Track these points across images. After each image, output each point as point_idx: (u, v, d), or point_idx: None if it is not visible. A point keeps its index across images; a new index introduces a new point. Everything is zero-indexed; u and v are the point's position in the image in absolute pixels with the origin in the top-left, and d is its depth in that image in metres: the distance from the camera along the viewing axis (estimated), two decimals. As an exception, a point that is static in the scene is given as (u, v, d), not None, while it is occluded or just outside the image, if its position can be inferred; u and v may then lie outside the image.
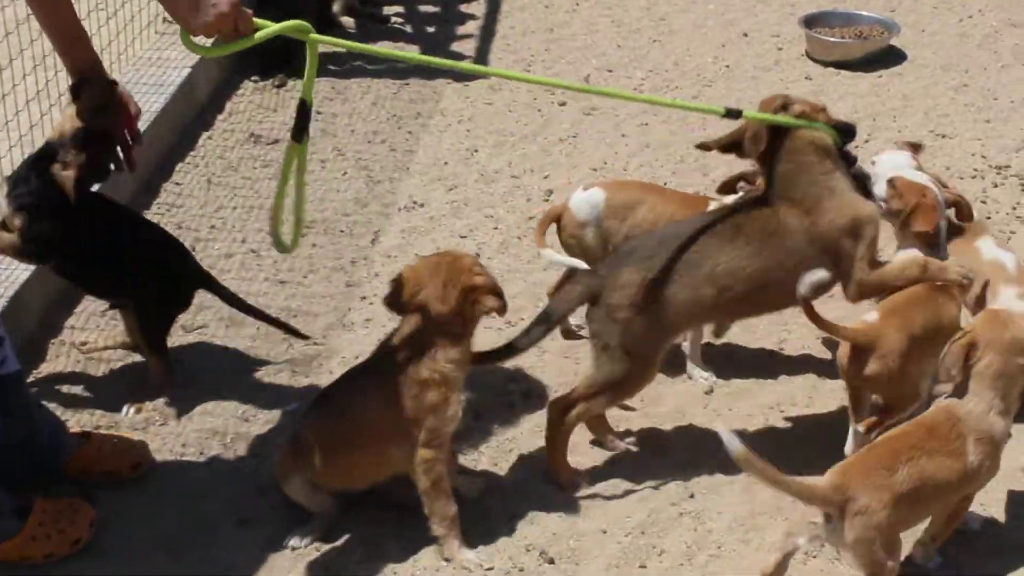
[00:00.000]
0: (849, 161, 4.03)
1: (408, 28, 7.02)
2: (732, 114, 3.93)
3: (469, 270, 3.66)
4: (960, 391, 3.51)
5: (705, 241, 3.91)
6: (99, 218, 4.17)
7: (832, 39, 6.80)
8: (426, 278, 3.67)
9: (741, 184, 4.37)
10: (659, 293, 3.87)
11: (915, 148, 4.39)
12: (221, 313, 4.73)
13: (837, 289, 4.02)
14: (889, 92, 6.51)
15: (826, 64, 6.74)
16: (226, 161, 5.74)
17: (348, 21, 7.02)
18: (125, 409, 4.26)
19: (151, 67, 6.00)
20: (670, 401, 4.42)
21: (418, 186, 5.63)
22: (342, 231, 5.29)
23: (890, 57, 6.83)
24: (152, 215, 5.31)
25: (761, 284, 3.92)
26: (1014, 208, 5.46)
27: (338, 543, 3.78)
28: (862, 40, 6.84)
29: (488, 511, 3.93)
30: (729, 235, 3.91)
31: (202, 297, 4.83)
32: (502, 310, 3.68)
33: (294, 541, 3.77)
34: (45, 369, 4.41)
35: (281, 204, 3.76)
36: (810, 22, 6.95)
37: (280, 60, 6.27)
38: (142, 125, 4.36)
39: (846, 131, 4.03)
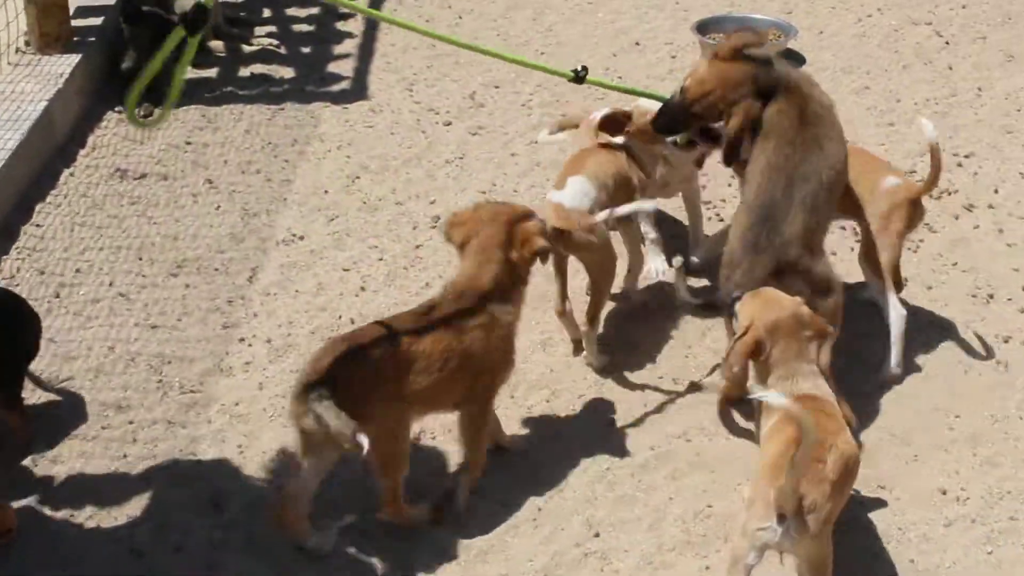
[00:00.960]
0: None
1: (282, 49, 7.04)
2: (578, 77, 4.69)
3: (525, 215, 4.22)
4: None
5: None
6: None
7: (727, 45, 6.93)
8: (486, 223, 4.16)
9: None
10: None
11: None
12: (89, 363, 4.73)
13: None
14: (788, 97, 6.65)
15: (722, 71, 6.87)
16: (90, 199, 5.72)
17: (217, 45, 7.02)
18: None
19: (4, 101, 5.96)
20: (568, 433, 4.49)
21: (296, 218, 5.66)
22: (216, 269, 5.30)
23: (788, 60, 6.98)
24: (12, 261, 5.28)
25: None
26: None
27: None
28: (759, 44, 6.98)
29: (389, 557, 3.97)
30: None
31: (68, 347, 4.82)
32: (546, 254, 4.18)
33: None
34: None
35: (144, 84, 4.05)
36: (703, 28, 7.06)
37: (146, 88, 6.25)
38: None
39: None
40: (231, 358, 4.82)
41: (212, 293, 5.17)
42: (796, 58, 7.03)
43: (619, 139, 4.97)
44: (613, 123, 4.95)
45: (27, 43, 6.45)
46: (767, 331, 3.94)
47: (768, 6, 7.57)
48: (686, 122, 4.70)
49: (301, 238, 5.52)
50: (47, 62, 6.31)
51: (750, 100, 4.51)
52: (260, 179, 5.94)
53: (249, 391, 4.67)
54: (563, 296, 4.81)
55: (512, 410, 4.56)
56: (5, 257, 5.33)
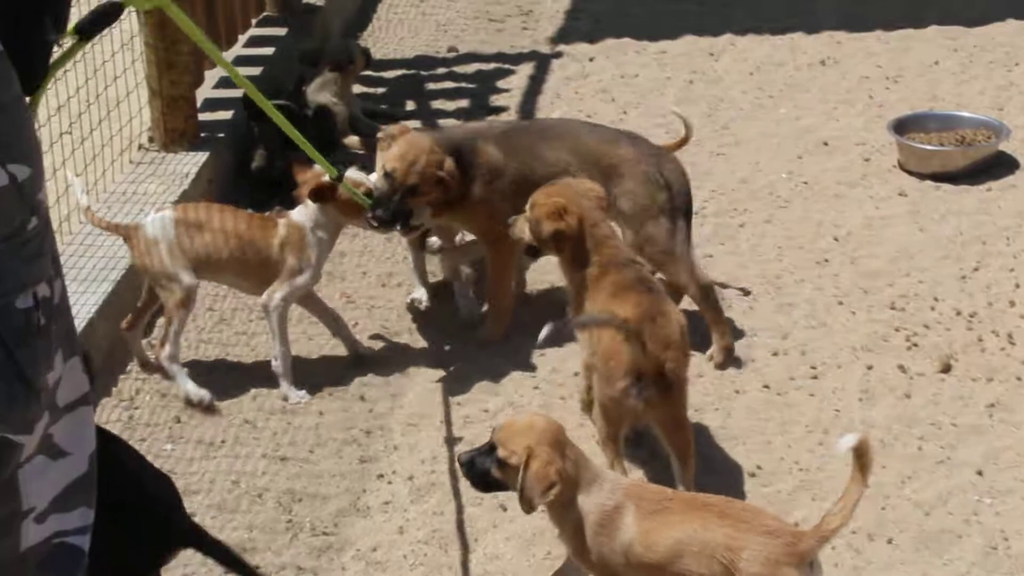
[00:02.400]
0: None
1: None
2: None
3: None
4: None
5: None
6: None
7: (929, 147, 6.89)
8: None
9: None
10: None
11: None
12: (211, 498, 4.78)
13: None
14: (1000, 208, 6.57)
15: (923, 176, 6.82)
16: (218, 313, 5.84)
17: (353, 141, 7.14)
18: None
19: (127, 203, 6.14)
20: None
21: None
22: (353, 395, 5.34)
23: (1000, 166, 6.90)
24: (131, 380, 5.39)
25: None
26: None
27: None
28: (965, 147, 6.92)
29: None
30: None
31: (188, 479, 4.87)
32: None
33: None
34: None
35: None
36: (902, 127, 7.01)
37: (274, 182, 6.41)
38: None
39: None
40: (368, 496, 4.84)
41: (348, 422, 5.22)
42: (1008, 163, 6.94)
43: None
44: (320, 192, 5.30)
45: (151, 139, 6.64)
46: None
47: (976, 101, 7.50)
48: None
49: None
50: (172, 160, 6.49)
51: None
52: (401, 293, 5.99)
53: (388, 535, 4.68)
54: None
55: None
56: (123, 376, 5.44)
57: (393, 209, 5.33)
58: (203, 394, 5.24)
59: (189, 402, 5.24)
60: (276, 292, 5.32)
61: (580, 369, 5.13)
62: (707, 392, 5.32)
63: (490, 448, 4.00)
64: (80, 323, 5.22)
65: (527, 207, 4.92)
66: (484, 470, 4.01)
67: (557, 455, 3.93)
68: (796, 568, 3.72)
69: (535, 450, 3.91)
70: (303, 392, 5.31)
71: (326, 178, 5.23)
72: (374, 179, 5.41)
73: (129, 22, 6.68)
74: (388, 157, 5.38)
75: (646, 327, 4.52)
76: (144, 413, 5.24)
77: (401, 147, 5.38)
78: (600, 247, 4.80)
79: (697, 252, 5.64)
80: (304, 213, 5.38)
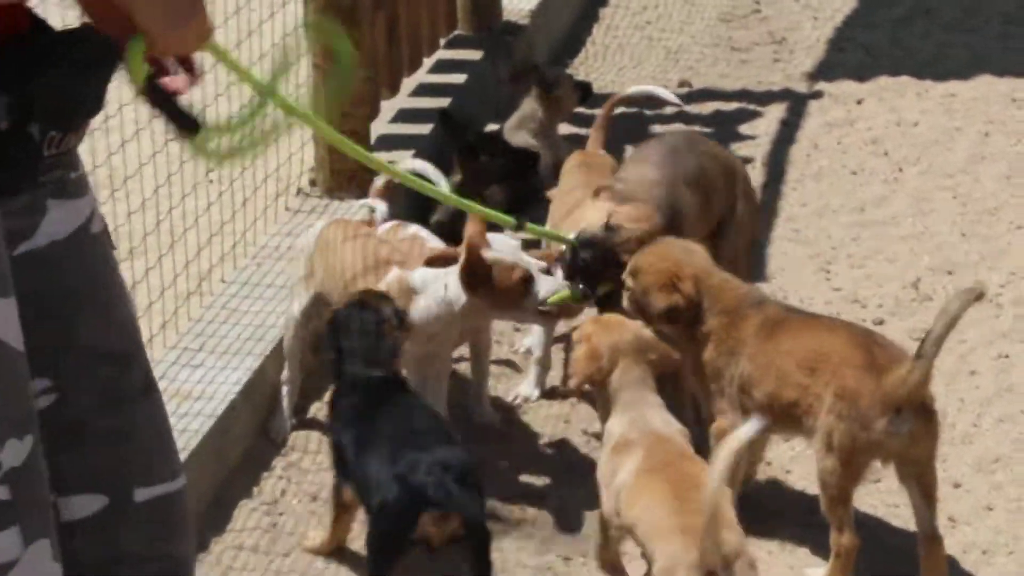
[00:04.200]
0: None
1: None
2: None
3: None
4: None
5: None
6: None
7: None
8: None
9: None
10: None
11: None
12: None
13: None
14: None
15: None
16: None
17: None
18: None
19: (280, 259, 6.15)
20: None
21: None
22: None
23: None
24: (274, 480, 5.39)
25: None
26: None
27: None
28: None
29: None
30: None
31: None
32: None
33: None
34: None
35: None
36: None
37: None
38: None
39: None
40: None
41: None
42: None
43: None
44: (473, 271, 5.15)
45: (312, 182, 6.68)
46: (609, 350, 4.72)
47: None
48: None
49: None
50: (338, 208, 6.50)
51: None
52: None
53: None
54: None
55: None
56: (266, 474, 5.46)
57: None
58: None
59: None
60: None
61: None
62: (998, 530, 5.16)
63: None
64: (219, 406, 5.27)
65: (628, 275, 5.07)
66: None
67: None
68: None
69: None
70: None
71: (493, 255, 5.13)
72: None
73: (295, 36, 6.69)
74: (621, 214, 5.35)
75: (874, 350, 4.75)
76: (287, 521, 5.23)
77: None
78: (720, 294, 5.04)
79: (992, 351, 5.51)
80: (425, 277, 5.27)
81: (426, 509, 4.39)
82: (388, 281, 5.26)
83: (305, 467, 5.48)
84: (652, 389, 4.75)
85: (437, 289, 5.21)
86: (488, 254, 5.09)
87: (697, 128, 7.75)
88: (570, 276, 5.23)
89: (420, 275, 5.26)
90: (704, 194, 5.64)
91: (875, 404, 4.63)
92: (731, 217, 5.75)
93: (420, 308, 5.22)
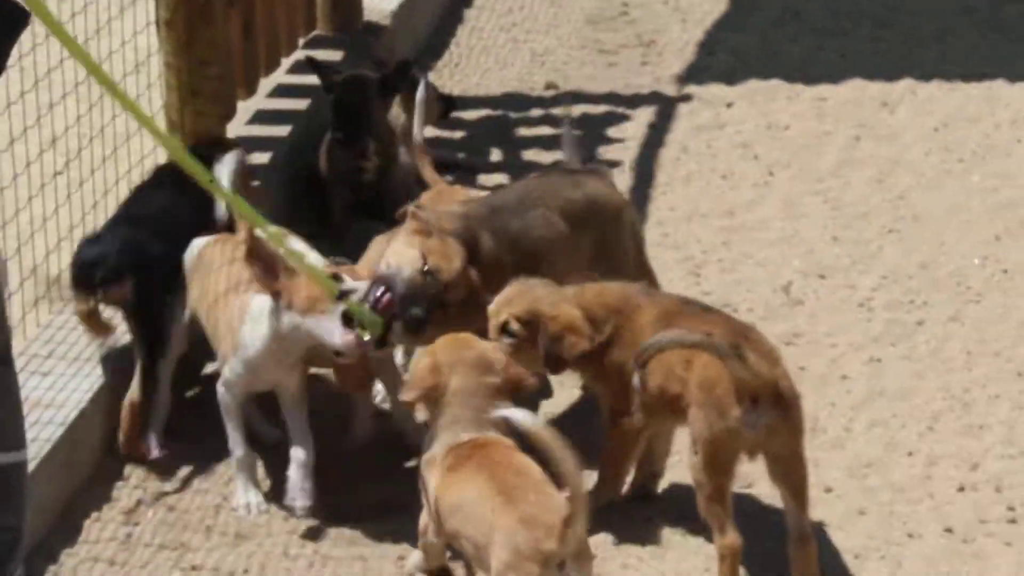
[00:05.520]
0: None
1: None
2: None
3: None
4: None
5: None
6: None
7: None
8: None
9: None
10: None
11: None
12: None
13: None
14: None
15: None
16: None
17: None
18: None
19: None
20: None
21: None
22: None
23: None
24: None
25: None
26: None
27: None
28: None
29: None
30: None
31: None
32: None
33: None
34: None
35: None
36: None
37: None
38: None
39: None
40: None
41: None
42: None
43: None
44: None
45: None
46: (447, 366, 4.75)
47: None
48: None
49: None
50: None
51: None
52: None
53: None
54: None
55: None
56: (120, 484, 5.41)
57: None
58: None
59: None
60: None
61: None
62: (870, 534, 5.23)
63: None
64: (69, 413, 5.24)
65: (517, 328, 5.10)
66: None
67: None
68: None
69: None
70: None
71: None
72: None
73: (147, 35, 6.67)
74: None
75: (742, 342, 4.82)
76: (146, 532, 5.22)
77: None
78: (603, 300, 5.17)
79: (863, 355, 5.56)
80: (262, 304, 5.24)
81: None
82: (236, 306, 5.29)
83: (161, 475, 5.47)
84: (485, 408, 4.71)
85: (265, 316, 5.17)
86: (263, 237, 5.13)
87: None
88: (406, 329, 5.18)
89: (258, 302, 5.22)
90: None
91: (729, 392, 4.75)
92: (615, 248, 5.77)
93: (245, 335, 5.19)
